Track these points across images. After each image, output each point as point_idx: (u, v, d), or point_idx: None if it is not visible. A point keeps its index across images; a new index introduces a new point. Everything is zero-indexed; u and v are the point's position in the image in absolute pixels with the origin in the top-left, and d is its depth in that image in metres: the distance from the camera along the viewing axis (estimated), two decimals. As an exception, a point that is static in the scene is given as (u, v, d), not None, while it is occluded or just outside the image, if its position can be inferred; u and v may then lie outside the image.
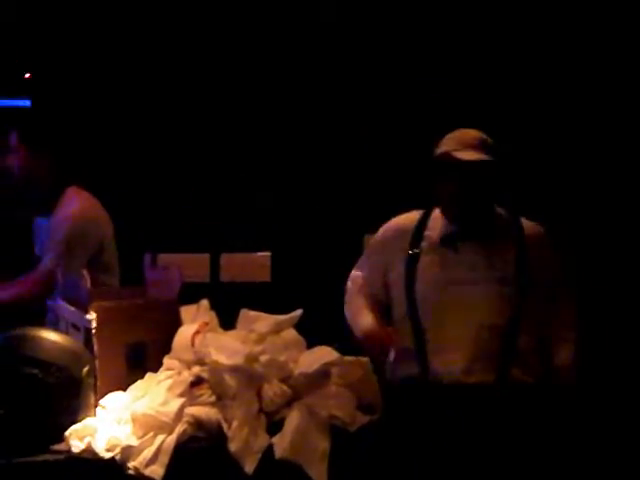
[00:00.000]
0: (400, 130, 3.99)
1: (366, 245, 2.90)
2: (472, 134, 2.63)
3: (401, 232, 2.71)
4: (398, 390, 2.58)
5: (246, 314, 2.55)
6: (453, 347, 2.51)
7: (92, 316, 2.44)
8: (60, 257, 3.02)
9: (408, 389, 2.56)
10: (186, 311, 2.64)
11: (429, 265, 2.62)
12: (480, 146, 2.58)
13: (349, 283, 2.85)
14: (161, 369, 2.47)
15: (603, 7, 3.88)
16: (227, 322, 2.67)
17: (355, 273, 2.85)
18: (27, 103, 4.36)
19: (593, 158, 3.90)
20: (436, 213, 2.71)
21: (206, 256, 3.97)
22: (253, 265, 3.96)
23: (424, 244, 2.65)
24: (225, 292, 3.77)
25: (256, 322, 2.49)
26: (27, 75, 4.36)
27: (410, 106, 3.97)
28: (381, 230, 2.82)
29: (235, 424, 2.23)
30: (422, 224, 2.69)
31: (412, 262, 2.64)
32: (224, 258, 3.98)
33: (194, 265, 3.88)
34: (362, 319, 2.69)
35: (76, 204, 3.12)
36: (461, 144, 2.58)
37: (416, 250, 2.64)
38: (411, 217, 2.75)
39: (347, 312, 2.81)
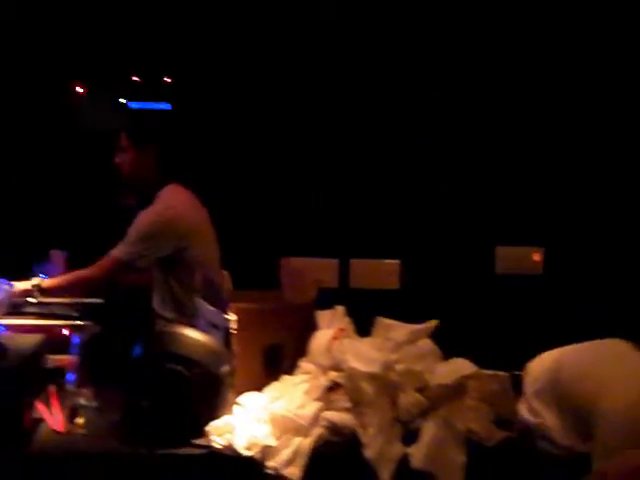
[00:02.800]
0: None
1: None
2: None
3: None
4: None
5: (382, 322, 2.56)
6: None
7: (233, 317, 2.51)
8: (129, 247, 3.03)
9: None
10: (322, 316, 2.67)
11: None
12: None
13: None
14: (297, 372, 2.52)
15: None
16: (355, 327, 2.70)
17: None
18: (167, 107, 4.52)
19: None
20: None
21: (335, 261, 4.01)
22: (382, 272, 3.97)
23: None
24: (353, 298, 3.80)
25: (392, 330, 2.50)
26: (167, 79, 4.52)
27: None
28: None
29: (371, 431, 2.24)
30: None
31: None
32: (353, 264, 4.01)
33: (323, 270, 3.93)
34: None
35: (164, 201, 3.15)
36: None
37: None
38: None
39: None
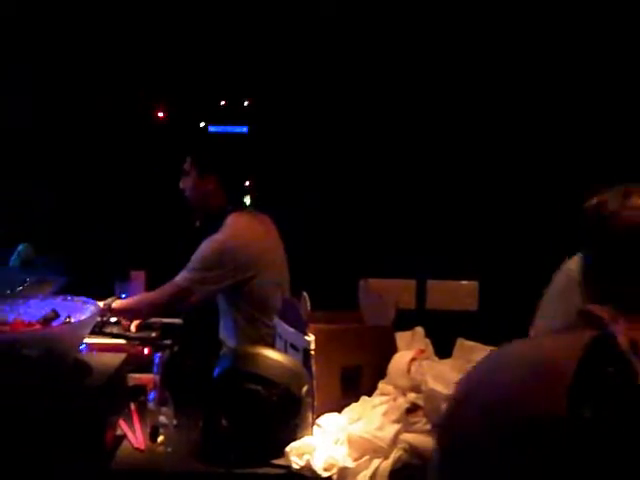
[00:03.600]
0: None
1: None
2: None
3: None
4: None
5: (463, 344, 2.53)
6: None
7: (311, 338, 2.50)
8: (190, 274, 3.03)
9: None
10: (401, 337, 2.66)
11: None
12: None
13: None
14: (376, 393, 2.50)
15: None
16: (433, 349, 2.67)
17: None
18: (244, 129, 4.57)
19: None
20: None
21: (412, 282, 3.98)
22: (460, 293, 3.93)
23: None
24: (430, 319, 3.77)
25: (473, 352, 2.46)
26: (246, 102, 4.58)
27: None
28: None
29: (452, 454, 2.20)
30: None
31: None
32: (430, 285, 3.98)
33: (400, 291, 3.90)
34: None
35: (227, 230, 3.12)
36: None
37: None
38: None
39: None
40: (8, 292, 3.11)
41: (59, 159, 4.32)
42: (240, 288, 3.09)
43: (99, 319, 2.97)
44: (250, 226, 3.21)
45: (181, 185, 3.22)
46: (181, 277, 3.05)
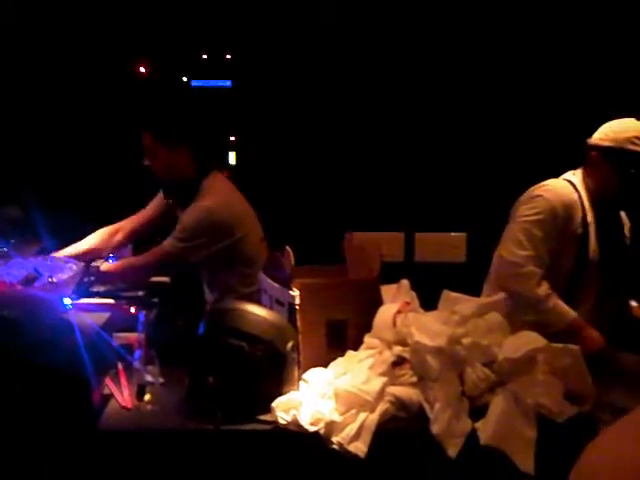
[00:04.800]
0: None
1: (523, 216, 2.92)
2: None
3: (568, 210, 2.83)
4: None
5: (448, 295, 2.51)
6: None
7: (296, 293, 2.49)
8: (181, 242, 3.00)
9: None
10: (386, 290, 2.64)
11: (593, 240, 2.85)
12: None
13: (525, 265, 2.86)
14: (362, 347, 2.49)
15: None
16: (420, 302, 2.65)
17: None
18: (228, 84, 4.51)
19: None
20: (580, 187, 2.88)
21: (401, 235, 3.96)
22: (448, 245, 3.91)
23: (588, 220, 2.85)
24: (419, 271, 3.75)
25: (459, 304, 2.45)
26: (228, 56, 4.50)
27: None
28: (549, 207, 2.83)
29: (438, 406, 2.20)
30: (581, 202, 2.85)
31: (585, 237, 2.84)
32: (419, 237, 3.96)
33: (388, 244, 3.88)
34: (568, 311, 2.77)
35: (212, 195, 3.06)
36: None
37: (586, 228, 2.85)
38: (567, 192, 2.87)
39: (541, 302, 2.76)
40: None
41: (42, 119, 4.26)
42: (227, 252, 3.06)
43: (86, 279, 2.94)
44: (229, 187, 3.18)
45: (146, 162, 3.10)
46: (170, 244, 3.00)
